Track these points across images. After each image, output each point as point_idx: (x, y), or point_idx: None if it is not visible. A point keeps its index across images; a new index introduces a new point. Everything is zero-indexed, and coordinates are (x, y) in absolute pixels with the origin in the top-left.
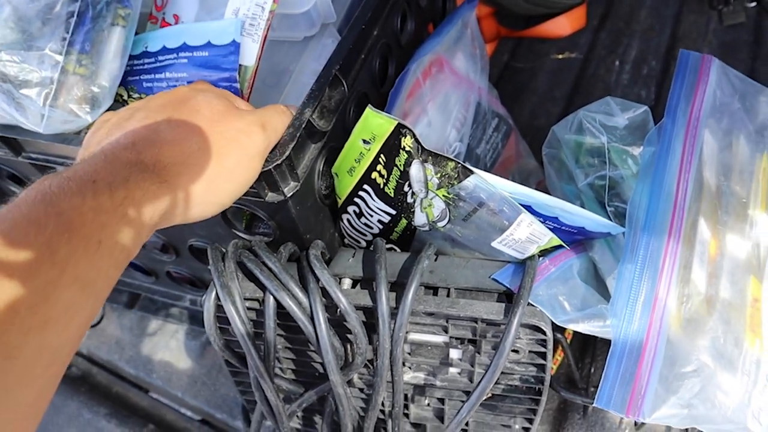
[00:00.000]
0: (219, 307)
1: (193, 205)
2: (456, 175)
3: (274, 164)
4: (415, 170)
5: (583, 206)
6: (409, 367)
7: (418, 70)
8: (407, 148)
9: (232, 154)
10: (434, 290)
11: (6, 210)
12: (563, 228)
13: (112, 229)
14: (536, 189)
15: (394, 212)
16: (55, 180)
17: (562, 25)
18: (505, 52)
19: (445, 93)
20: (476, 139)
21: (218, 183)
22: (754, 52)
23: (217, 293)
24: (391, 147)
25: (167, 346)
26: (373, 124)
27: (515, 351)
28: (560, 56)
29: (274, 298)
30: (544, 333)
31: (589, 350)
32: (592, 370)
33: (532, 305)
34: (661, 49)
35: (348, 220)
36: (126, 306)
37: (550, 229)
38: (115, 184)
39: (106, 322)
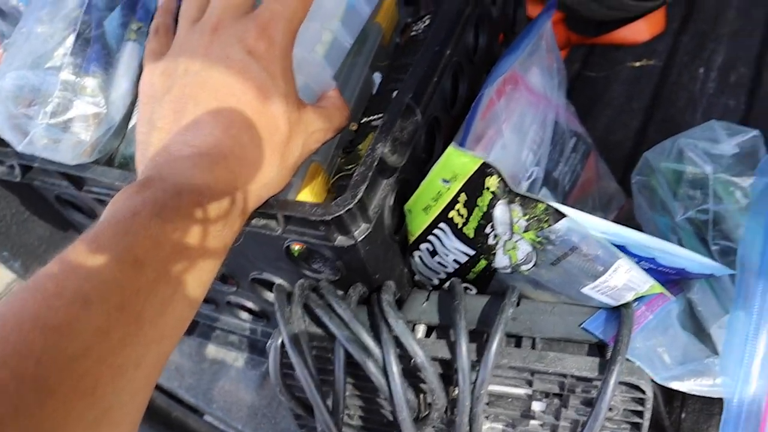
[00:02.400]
0: (284, 353)
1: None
2: (546, 219)
3: (346, 208)
4: (500, 212)
5: (680, 242)
6: (486, 417)
7: (492, 89)
8: (492, 189)
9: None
10: (517, 339)
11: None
12: (660, 269)
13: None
14: (619, 214)
15: (472, 253)
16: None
17: (639, 31)
18: (577, 60)
19: (520, 112)
20: (554, 162)
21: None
22: None
23: (282, 341)
24: (474, 186)
25: (227, 375)
26: (456, 164)
27: (609, 409)
28: (637, 64)
29: (344, 349)
30: (642, 392)
31: (678, 393)
32: (683, 415)
33: (629, 360)
34: (752, 54)
35: (420, 257)
36: (185, 332)
37: (644, 270)
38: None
39: None
